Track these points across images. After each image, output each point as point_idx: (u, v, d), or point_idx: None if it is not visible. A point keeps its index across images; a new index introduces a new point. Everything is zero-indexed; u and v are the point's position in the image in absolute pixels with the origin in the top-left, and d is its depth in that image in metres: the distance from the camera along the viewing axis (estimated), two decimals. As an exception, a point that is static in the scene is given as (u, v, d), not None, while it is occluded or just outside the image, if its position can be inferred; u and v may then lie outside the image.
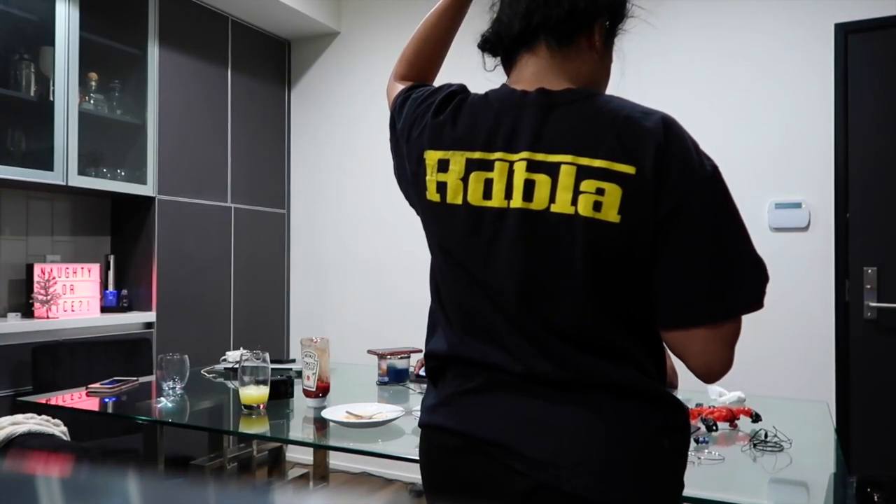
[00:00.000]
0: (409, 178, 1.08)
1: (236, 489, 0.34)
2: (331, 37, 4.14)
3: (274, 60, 4.15)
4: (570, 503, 0.91)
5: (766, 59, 3.09)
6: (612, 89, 1.09)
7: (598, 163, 0.92)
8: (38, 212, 3.18)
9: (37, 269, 2.97)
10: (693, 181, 0.91)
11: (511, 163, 0.96)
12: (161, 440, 2.12)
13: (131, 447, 2.60)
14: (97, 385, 2.19)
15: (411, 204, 1.13)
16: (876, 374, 2.89)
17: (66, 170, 2.91)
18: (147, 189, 3.29)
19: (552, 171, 0.93)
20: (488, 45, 1.08)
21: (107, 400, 2.12)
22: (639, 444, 0.94)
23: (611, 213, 0.91)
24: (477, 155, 0.99)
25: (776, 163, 3.06)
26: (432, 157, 1.03)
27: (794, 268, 3.01)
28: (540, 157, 0.94)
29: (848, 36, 2.95)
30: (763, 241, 3.08)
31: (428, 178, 1.03)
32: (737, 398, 1.96)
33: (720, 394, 2.00)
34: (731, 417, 1.73)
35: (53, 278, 2.98)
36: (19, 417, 1.92)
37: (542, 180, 0.93)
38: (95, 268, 3.22)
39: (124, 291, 3.33)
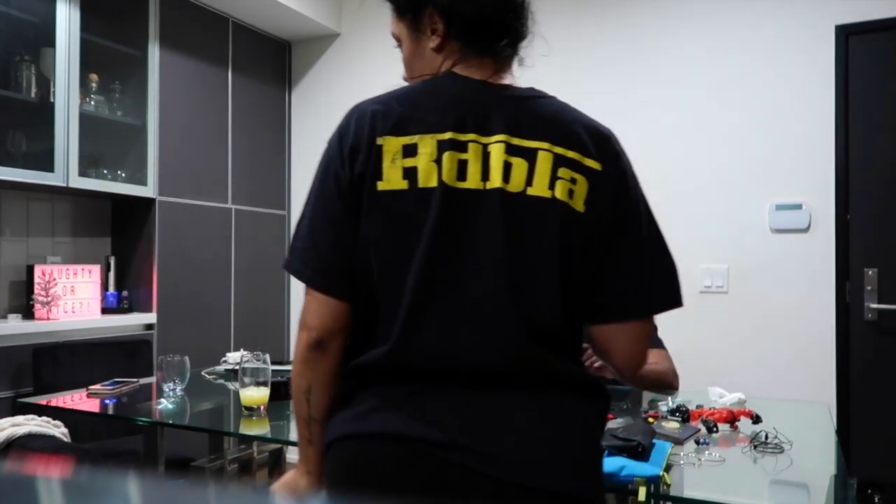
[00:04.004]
0: (348, 186, 0.99)
1: (237, 491, 0.34)
2: (331, 38, 4.15)
3: (274, 62, 4.15)
4: (538, 499, 0.92)
5: (766, 60, 3.09)
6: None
7: (571, 154, 0.99)
8: (38, 213, 3.18)
9: (37, 270, 2.97)
10: (637, 189, 1.05)
11: (485, 145, 0.98)
12: (161, 442, 2.12)
13: (132, 449, 2.60)
14: (98, 386, 2.19)
15: (338, 215, 1.00)
16: (876, 376, 2.89)
17: (66, 171, 2.91)
18: (147, 190, 3.29)
19: (529, 156, 0.98)
20: (468, 30, 1.05)
21: (107, 401, 2.12)
22: (589, 436, 1.01)
23: (578, 203, 0.99)
24: (448, 136, 0.97)
25: (777, 164, 3.06)
26: (393, 143, 0.98)
27: (794, 269, 3.01)
28: (517, 141, 0.98)
29: (848, 37, 2.95)
30: (763, 243, 3.09)
31: (387, 164, 0.97)
32: (737, 399, 1.96)
33: (721, 395, 1.99)
34: (732, 419, 1.72)
35: (54, 279, 2.98)
36: (20, 419, 1.92)
37: (518, 163, 0.97)
38: (96, 269, 3.22)
39: (125, 293, 3.33)
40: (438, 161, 0.96)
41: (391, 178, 0.97)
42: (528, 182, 0.97)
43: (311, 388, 1.03)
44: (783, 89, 3.06)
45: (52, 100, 2.90)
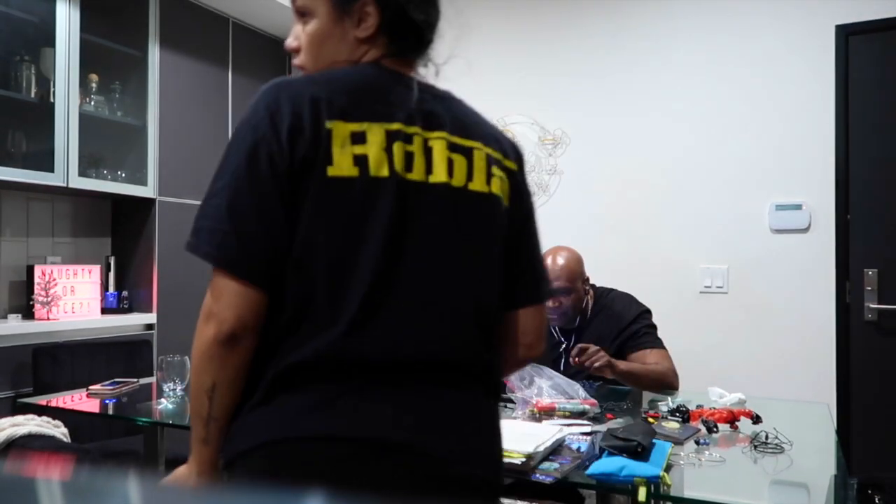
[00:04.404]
0: (286, 169, 0.92)
1: (236, 490, 0.34)
2: (331, 38, 4.14)
3: (274, 61, 4.15)
4: (475, 491, 0.97)
5: (767, 60, 3.09)
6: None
7: (496, 154, 1.07)
8: (38, 213, 3.18)
9: (37, 270, 2.97)
10: (531, 190, 1.16)
11: (426, 139, 1.00)
12: (162, 442, 2.12)
13: (132, 449, 2.60)
14: (98, 386, 2.19)
15: (270, 198, 0.93)
16: (876, 376, 2.89)
17: (66, 171, 2.91)
18: (147, 190, 3.29)
19: (467, 153, 1.03)
20: (401, 29, 1.05)
21: (107, 401, 2.12)
22: (500, 427, 1.06)
23: (505, 199, 1.07)
24: (396, 126, 0.97)
25: (777, 164, 3.07)
26: (342, 128, 0.94)
27: (794, 269, 3.01)
28: (456, 139, 1.02)
29: (849, 37, 2.95)
30: (763, 243, 3.08)
31: (337, 149, 0.93)
32: (737, 400, 1.96)
33: (721, 395, 1.99)
34: (732, 419, 1.72)
35: (54, 280, 2.98)
36: (20, 419, 1.92)
37: (459, 160, 1.01)
38: (96, 269, 3.22)
39: (125, 293, 3.33)
40: (388, 150, 0.95)
41: (342, 165, 0.93)
42: (469, 178, 1.01)
43: (215, 385, 0.93)
44: (783, 89, 3.06)
45: (52, 100, 2.90)
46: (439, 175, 0.99)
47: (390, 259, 0.94)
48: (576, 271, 2.28)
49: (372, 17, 1.03)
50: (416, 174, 0.97)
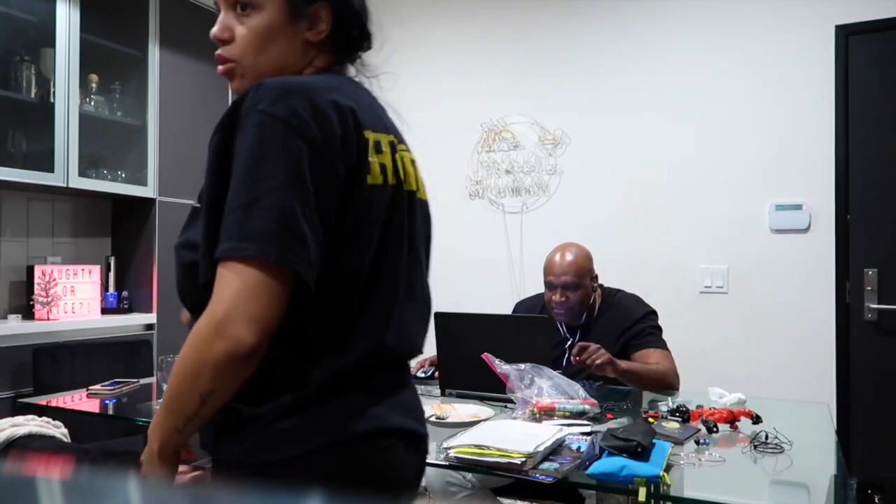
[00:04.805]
0: (343, 177, 0.93)
1: (236, 490, 0.34)
2: (331, 38, 4.14)
3: (274, 62, 4.15)
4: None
5: (766, 60, 3.09)
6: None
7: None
8: (38, 213, 3.18)
9: (37, 270, 2.97)
10: None
11: (401, 150, 1.06)
12: (161, 442, 2.12)
13: (132, 449, 2.59)
14: (98, 387, 2.19)
15: (329, 207, 0.92)
16: (876, 376, 2.89)
17: (66, 171, 2.91)
18: (147, 191, 3.29)
19: (413, 164, 1.10)
20: (350, 36, 1.09)
21: (107, 401, 2.12)
22: None
23: None
24: (391, 138, 1.03)
25: (777, 164, 3.07)
26: (372, 137, 0.98)
27: (794, 269, 3.01)
28: (409, 152, 1.10)
29: (848, 38, 2.95)
30: (763, 243, 3.08)
31: (371, 158, 0.96)
32: (737, 400, 1.96)
33: (721, 395, 1.99)
34: (732, 419, 1.72)
35: (54, 280, 2.98)
36: (20, 419, 1.92)
37: (414, 171, 1.10)
38: (96, 269, 3.22)
39: (125, 293, 3.33)
40: (393, 160, 1.02)
41: (375, 173, 0.97)
42: (417, 186, 1.09)
43: (215, 391, 0.87)
44: (783, 89, 3.06)
45: (52, 100, 2.90)
46: (409, 184, 1.06)
47: (407, 262, 1.02)
48: (584, 267, 2.28)
49: (324, 23, 1.04)
50: (400, 182, 1.04)
